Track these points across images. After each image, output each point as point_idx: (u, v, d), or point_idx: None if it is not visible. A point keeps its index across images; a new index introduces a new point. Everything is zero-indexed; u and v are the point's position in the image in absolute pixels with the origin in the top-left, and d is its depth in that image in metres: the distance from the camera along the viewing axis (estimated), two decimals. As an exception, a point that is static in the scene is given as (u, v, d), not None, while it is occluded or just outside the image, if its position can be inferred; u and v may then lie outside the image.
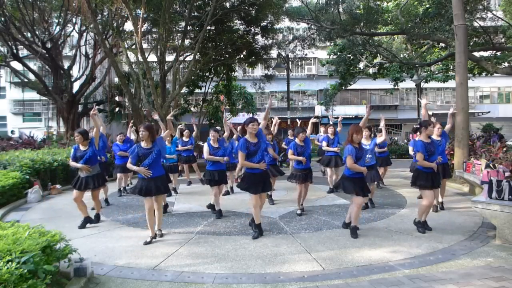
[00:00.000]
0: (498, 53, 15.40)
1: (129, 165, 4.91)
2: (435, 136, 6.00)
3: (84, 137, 5.67)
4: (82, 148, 5.68)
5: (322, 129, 8.65)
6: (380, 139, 7.03)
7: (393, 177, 10.91)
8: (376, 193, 8.28)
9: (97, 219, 5.99)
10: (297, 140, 6.26)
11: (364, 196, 5.04)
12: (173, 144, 8.38)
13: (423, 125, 5.08)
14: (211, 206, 6.54)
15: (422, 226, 5.16)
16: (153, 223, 4.97)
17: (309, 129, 6.56)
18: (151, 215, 4.91)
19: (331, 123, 8.53)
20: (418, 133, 5.34)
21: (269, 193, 7.19)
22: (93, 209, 6.16)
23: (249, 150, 4.84)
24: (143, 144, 4.90)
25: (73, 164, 5.69)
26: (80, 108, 20.41)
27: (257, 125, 4.95)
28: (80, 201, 5.69)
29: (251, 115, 25.25)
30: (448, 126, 6.78)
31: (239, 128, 10.02)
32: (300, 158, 6.09)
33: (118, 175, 8.64)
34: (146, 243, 4.81)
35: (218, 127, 7.01)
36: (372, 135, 7.13)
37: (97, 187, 5.81)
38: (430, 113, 25.53)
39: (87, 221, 5.80)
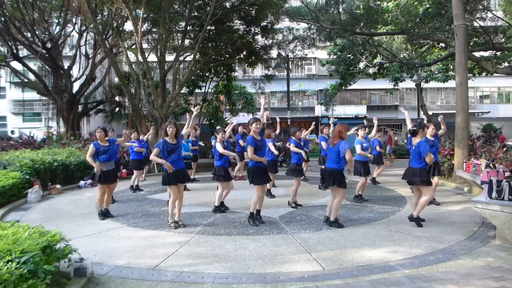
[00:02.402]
0: (498, 53, 15.40)
1: (153, 157, 5.41)
2: (428, 136, 6.50)
3: (105, 134, 6.26)
4: (102, 144, 6.16)
5: (326, 129, 8.79)
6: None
7: (393, 176, 10.91)
8: (376, 193, 8.31)
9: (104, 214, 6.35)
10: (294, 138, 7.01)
11: (325, 188, 5.44)
12: (188, 142, 8.71)
13: (422, 127, 5.48)
14: (222, 206, 6.63)
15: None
16: (173, 211, 5.55)
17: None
18: (177, 203, 5.54)
19: (330, 122, 8.77)
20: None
21: (268, 187, 7.73)
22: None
23: (256, 145, 5.40)
24: (169, 140, 5.45)
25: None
26: (80, 108, 20.41)
27: (260, 124, 5.48)
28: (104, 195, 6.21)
29: (251, 115, 25.31)
30: (441, 131, 7.24)
31: (239, 128, 10.18)
32: (301, 150, 6.77)
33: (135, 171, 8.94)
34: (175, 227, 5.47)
35: (218, 127, 7.24)
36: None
37: (114, 182, 6.39)
38: (431, 113, 25.53)
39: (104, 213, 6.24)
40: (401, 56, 19.69)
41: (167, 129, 5.49)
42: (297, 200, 7.03)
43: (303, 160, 7.18)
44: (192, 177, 10.47)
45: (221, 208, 6.51)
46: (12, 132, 28.70)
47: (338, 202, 5.34)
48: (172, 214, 5.56)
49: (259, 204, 5.65)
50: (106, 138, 6.27)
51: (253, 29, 16.26)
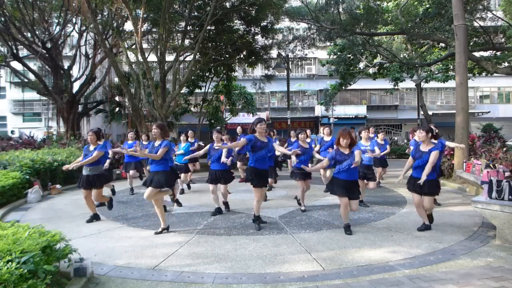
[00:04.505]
0: (498, 53, 15.40)
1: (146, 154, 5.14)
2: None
3: (97, 137, 6.04)
4: (91, 148, 5.98)
5: (326, 130, 8.59)
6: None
7: (393, 177, 10.90)
8: (376, 193, 8.30)
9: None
10: (300, 141, 6.55)
11: (348, 197, 5.02)
12: (187, 144, 8.63)
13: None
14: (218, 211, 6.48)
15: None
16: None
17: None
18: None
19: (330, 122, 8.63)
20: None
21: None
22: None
23: (255, 145, 5.16)
24: (156, 143, 5.27)
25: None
26: (80, 108, 20.40)
27: (265, 125, 5.29)
28: (89, 199, 5.98)
29: (251, 115, 25.32)
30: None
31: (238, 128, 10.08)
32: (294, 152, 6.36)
33: (131, 172, 8.66)
34: (157, 233, 5.23)
35: (219, 128, 7.09)
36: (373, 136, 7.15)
37: (99, 186, 6.00)
38: (431, 113, 25.44)
39: (95, 217, 6.07)
40: (401, 56, 19.69)
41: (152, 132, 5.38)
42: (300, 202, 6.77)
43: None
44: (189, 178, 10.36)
45: (220, 210, 6.44)
46: (12, 132, 28.68)
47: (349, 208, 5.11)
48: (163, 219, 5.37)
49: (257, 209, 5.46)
50: (99, 143, 6.08)
51: (253, 29, 16.27)
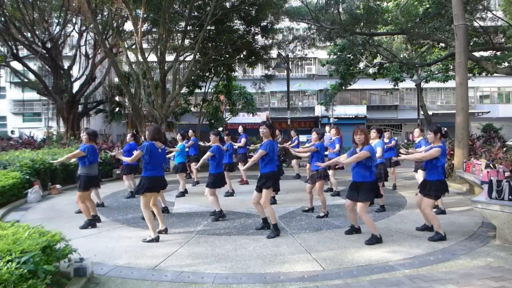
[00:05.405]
0: (498, 53, 15.40)
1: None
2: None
3: (89, 137, 5.86)
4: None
5: (333, 131, 8.40)
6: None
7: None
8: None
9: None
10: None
11: (354, 200, 4.78)
12: (182, 145, 8.54)
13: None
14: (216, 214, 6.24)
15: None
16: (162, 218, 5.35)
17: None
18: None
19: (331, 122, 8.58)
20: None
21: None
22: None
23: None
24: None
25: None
26: (80, 108, 20.42)
27: (264, 128, 5.13)
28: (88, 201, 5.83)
29: (251, 115, 25.33)
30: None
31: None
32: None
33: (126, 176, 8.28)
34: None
35: (220, 128, 6.98)
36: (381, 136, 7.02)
37: (79, 189, 5.73)
38: (431, 113, 25.32)
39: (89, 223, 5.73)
40: (401, 56, 19.69)
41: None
42: (308, 204, 6.62)
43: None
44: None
45: (222, 212, 6.16)
46: (12, 132, 28.66)
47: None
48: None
49: (262, 211, 5.29)
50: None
51: (253, 29, 16.28)
